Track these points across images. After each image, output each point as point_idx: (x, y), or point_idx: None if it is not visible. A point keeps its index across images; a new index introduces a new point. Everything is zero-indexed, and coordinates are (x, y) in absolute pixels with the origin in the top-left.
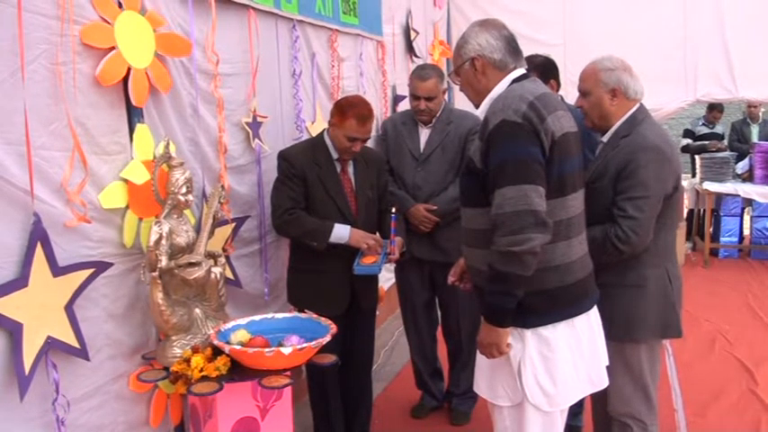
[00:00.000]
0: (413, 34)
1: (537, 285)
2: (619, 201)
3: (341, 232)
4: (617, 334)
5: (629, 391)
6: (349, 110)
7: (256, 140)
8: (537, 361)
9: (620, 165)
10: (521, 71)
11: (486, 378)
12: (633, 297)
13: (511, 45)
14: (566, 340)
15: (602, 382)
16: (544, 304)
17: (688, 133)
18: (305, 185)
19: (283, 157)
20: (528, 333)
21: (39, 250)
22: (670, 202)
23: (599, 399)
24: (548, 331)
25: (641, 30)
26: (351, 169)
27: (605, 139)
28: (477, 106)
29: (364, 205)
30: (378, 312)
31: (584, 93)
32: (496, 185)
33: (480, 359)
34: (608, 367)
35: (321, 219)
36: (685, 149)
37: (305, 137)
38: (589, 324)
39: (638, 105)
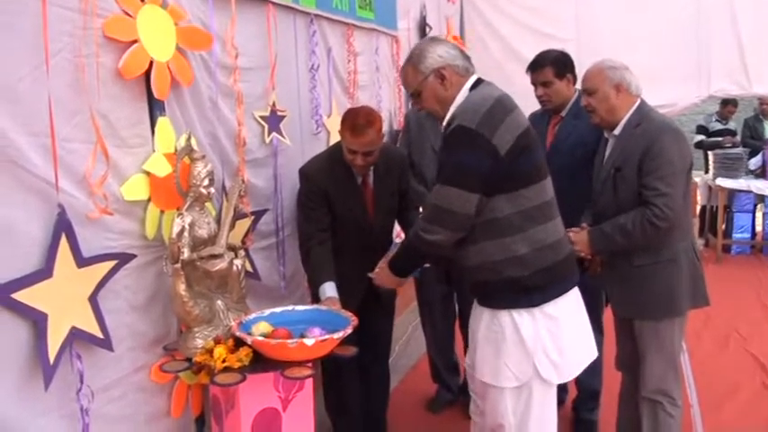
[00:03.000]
0: (427, 29)
1: (539, 264)
2: (648, 181)
3: (321, 295)
4: (657, 312)
5: (662, 368)
6: (345, 121)
7: (273, 134)
8: (546, 338)
9: (644, 149)
10: (475, 77)
11: (490, 362)
12: (669, 273)
13: (463, 53)
14: (568, 315)
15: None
16: (547, 281)
17: (701, 129)
18: (327, 201)
19: (305, 175)
20: (536, 311)
21: (63, 241)
22: (686, 179)
23: (628, 383)
24: (552, 308)
25: (654, 25)
26: (371, 179)
27: (617, 132)
28: (442, 118)
29: (382, 214)
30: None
31: (590, 91)
32: (437, 180)
33: (484, 345)
34: (641, 348)
35: (340, 232)
36: (698, 146)
37: (322, 131)
38: (578, 298)
39: (640, 100)
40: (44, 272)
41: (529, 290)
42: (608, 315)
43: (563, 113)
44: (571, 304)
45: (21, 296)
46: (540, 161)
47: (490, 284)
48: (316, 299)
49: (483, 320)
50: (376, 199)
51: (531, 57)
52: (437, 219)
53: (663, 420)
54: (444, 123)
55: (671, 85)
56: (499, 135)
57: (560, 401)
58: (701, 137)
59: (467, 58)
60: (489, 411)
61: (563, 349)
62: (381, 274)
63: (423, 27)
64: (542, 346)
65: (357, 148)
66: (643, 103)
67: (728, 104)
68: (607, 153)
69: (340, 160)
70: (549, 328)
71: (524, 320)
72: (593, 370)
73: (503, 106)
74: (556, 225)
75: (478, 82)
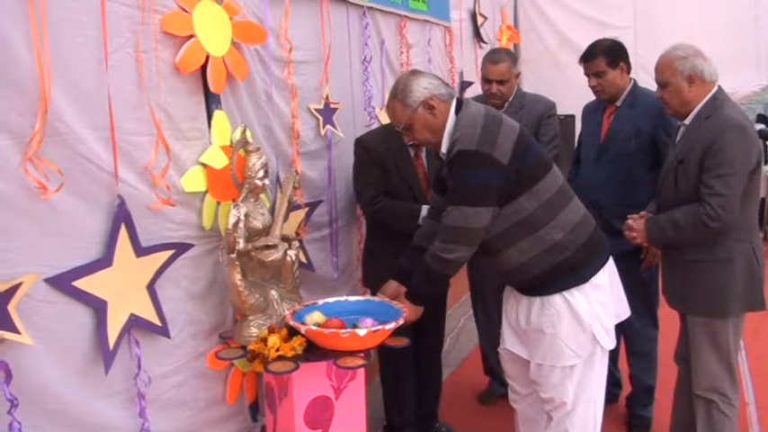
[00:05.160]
0: (480, 19)
1: (578, 242)
2: (707, 179)
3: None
4: (706, 311)
5: (715, 366)
6: None
7: (327, 126)
8: (599, 309)
9: (707, 144)
10: (455, 100)
11: (548, 346)
12: (722, 272)
13: (443, 81)
14: (610, 280)
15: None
16: (589, 254)
17: (761, 118)
18: (383, 170)
19: (360, 144)
20: (586, 287)
21: (123, 231)
22: (752, 177)
23: (683, 378)
24: (598, 279)
25: (712, 11)
26: (423, 154)
27: (688, 121)
28: (437, 146)
29: None
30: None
31: (662, 84)
32: (449, 201)
33: (539, 331)
34: (693, 344)
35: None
36: (759, 135)
37: (375, 123)
38: (612, 262)
39: (716, 88)
40: (104, 260)
41: (576, 267)
42: (665, 312)
43: (618, 103)
44: (611, 269)
45: (81, 284)
46: (540, 152)
47: (539, 277)
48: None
49: (533, 308)
50: (429, 174)
51: (586, 46)
52: (455, 238)
53: (717, 419)
54: (444, 151)
55: (730, 72)
56: (499, 148)
57: (614, 397)
58: (761, 126)
59: (447, 84)
60: (550, 392)
61: (610, 314)
62: (411, 313)
63: (475, 17)
64: (597, 317)
65: None
66: (719, 92)
67: None
68: (676, 143)
69: (395, 133)
70: (598, 299)
71: (577, 299)
72: (648, 366)
73: (493, 118)
74: (576, 203)
75: (459, 103)
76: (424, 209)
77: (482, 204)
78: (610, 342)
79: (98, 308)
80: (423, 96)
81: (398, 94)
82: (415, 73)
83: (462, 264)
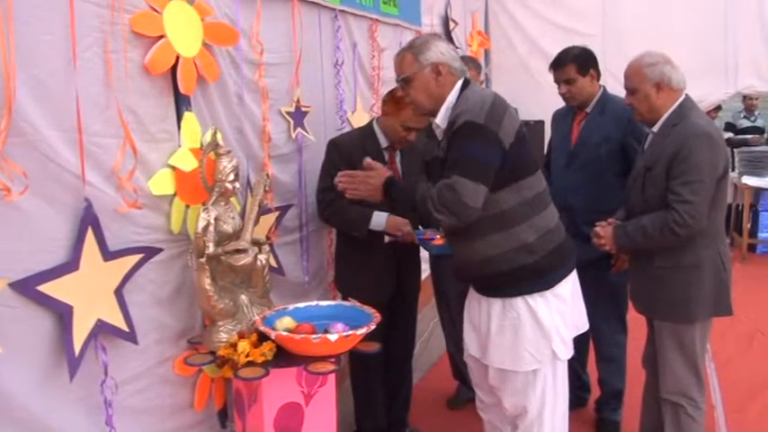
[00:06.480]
0: (451, 25)
1: (546, 247)
2: (674, 186)
3: (379, 220)
4: (673, 316)
5: (682, 370)
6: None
7: (298, 130)
8: (558, 318)
9: (674, 151)
10: (464, 79)
11: (508, 350)
12: (689, 278)
13: (459, 58)
14: (571, 292)
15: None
16: (556, 261)
17: (729, 127)
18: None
19: (334, 144)
20: (548, 294)
21: (89, 235)
22: (720, 184)
23: (651, 383)
24: (561, 288)
25: (680, 20)
26: (398, 159)
27: (656, 129)
28: (431, 113)
29: None
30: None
31: (631, 90)
32: (452, 172)
33: (499, 334)
34: (660, 348)
35: (366, 206)
36: (727, 143)
37: (347, 126)
38: (575, 274)
39: (684, 96)
40: (70, 265)
41: (542, 273)
42: (634, 316)
43: (588, 110)
44: (573, 280)
45: (46, 288)
46: (532, 152)
47: (502, 275)
48: (365, 231)
49: (494, 311)
50: (404, 178)
51: (556, 52)
52: (448, 204)
53: (685, 423)
54: (438, 121)
55: (698, 81)
56: (503, 129)
57: (582, 401)
58: (728, 134)
59: (463, 64)
60: (511, 398)
61: (568, 325)
62: (374, 176)
63: (447, 22)
64: (556, 326)
65: (415, 124)
66: (686, 99)
67: (749, 97)
68: (644, 150)
69: (371, 138)
70: (559, 309)
71: (539, 304)
72: (617, 370)
73: (501, 102)
74: (552, 209)
75: (466, 82)
76: (376, 214)
77: (481, 181)
78: (566, 353)
79: (64, 313)
80: (435, 59)
81: (414, 48)
82: (437, 36)
83: (441, 226)
